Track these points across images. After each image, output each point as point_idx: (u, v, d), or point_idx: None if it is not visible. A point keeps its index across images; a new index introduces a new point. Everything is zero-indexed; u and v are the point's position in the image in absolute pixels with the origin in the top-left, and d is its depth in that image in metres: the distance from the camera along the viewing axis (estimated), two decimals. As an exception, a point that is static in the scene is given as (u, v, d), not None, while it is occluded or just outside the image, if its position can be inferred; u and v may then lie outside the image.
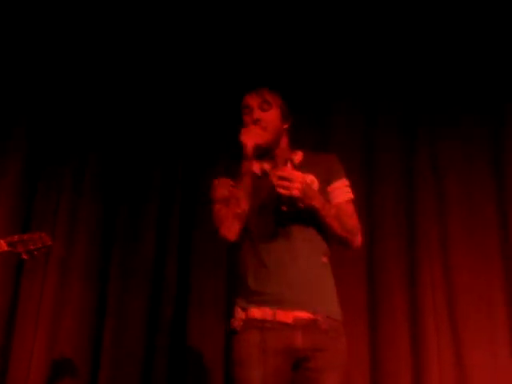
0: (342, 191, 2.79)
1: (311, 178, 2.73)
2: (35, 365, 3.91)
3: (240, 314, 2.61)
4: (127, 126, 4.40)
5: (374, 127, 4.16)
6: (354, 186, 2.86)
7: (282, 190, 2.53)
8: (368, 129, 4.16)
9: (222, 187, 2.76)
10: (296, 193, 2.53)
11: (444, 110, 4.11)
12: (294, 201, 2.56)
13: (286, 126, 2.85)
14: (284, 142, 2.85)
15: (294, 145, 2.89)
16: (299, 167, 2.74)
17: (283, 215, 2.61)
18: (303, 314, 2.56)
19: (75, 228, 4.21)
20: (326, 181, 2.78)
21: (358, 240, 2.77)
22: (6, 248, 2.89)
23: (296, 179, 2.54)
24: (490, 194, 3.94)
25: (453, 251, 3.86)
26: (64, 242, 4.15)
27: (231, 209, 2.62)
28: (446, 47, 4.18)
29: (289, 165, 2.67)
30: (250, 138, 2.64)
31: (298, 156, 2.85)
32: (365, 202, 3.93)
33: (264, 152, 2.74)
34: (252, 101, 2.79)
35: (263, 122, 2.73)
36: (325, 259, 2.71)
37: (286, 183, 2.53)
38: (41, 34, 4.44)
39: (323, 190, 2.75)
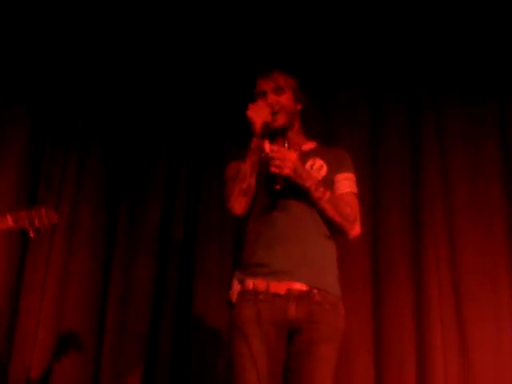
0: (346, 183, 2.82)
1: (320, 163, 2.80)
2: (41, 335, 3.95)
3: (236, 286, 2.66)
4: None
5: (379, 109, 4.14)
6: (359, 168, 2.91)
7: (273, 169, 2.58)
8: (373, 110, 4.14)
9: (234, 168, 2.80)
10: (287, 171, 2.58)
11: (449, 88, 4.08)
12: (285, 180, 2.60)
13: (299, 107, 2.90)
14: (296, 125, 2.90)
15: (309, 135, 2.95)
16: (309, 154, 2.81)
17: (277, 194, 2.63)
18: (297, 286, 2.59)
19: (81, 196, 4.24)
20: (334, 169, 2.81)
21: (356, 229, 2.77)
22: (12, 224, 2.89)
23: (288, 158, 2.60)
24: (495, 173, 3.92)
25: (458, 230, 3.85)
26: (70, 211, 4.17)
27: (238, 184, 2.66)
28: (450, 28, 4.14)
29: (286, 145, 2.69)
30: (259, 116, 2.68)
31: (311, 144, 2.91)
32: (370, 182, 3.94)
33: (277, 132, 2.77)
34: (266, 86, 2.83)
35: (278, 106, 2.77)
36: (327, 237, 2.73)
37: (278, 162, 2.57)
38: (44, 23, 4.40)
39: (330, 177, 2.78)
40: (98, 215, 4.23)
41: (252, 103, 2.74)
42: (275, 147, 2.65)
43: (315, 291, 2.59)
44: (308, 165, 2.78)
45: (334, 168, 2.81)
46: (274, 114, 2.76)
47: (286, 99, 2.82)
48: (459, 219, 3.87)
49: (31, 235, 2.89)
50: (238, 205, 2.67)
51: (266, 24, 4.31)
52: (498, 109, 4.01)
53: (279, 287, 2.58)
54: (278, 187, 2.59)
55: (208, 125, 4.31)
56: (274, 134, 2.76)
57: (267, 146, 2.64)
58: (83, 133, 4.35)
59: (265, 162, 2.64)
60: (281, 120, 2.78)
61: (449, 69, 4.10)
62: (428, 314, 3.70)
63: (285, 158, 2.59)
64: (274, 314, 2.55)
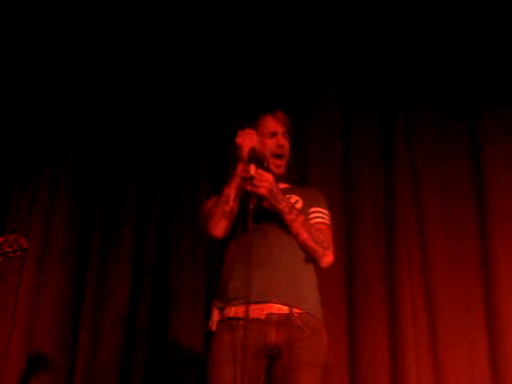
0: (320, 215, 2.85)
1: (296, 198, 2.84)
2: (12, 356, 3.91)
3: (216, 314, 2.64)
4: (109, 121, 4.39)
5: (350, 120, 4.14)
6: (332, 194, 2.92)
7: (249, 187, 2.61)
8: (345, 123, 4.14)
9: (214, 199, 2.80)
10: (262, 191, 2.63)
11: (420, 99, 4.09)
12: (260, 199, 2.64)
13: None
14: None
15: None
16: (285, 191, 2.83)
17: (254, 216, 2.61)
18: (276, 309, 2.57)
19: (52, 218, 4.20)
20: (308, 204, 2.85)
21: (329, 257, 2.78)
22: (-18, 251, 2.85)
23: (266, 179, 2.64)
24: (466, 182, 3.92)
25: (431, 251, 3.83)
26: (41, 232, 4.14)
27: (219, 206, 2.67)
28: (423, 39, 4.16)
29: (265, 165, 2.73)
30: (247, 142, 2.70)
31: (285, 184, 2.96)
32: (343, 195, 3.96)
33: (259, 161, 2.75)
34: (278, 128, 2.90)
35: (284, 149, 2.88)
36: (306, 261, 2.72)
37: (255, 181, 2.60)
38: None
39: (305, 211, 2.81)
40: (71, 237, 4.19)
41: (241, 130, 2.76)
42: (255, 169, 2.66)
43: (296, 315, 2.57)
44: None
45: (309, 203, 2.85)
46: (280, 156, 2.86)
47: (288, 145, 2.92)
48: (432, 240, 3.85)
49: (0, 260, 2.86)
50: (219, 227, 2.68)
51: (239, 29, 4.35)
52: (469, 127, 4.01)
53: (259, 312, 2.55)
54: (252, 207, 2.59)
55: (182, 143, 4.29)
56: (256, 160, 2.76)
57: (252, 169, 2.64)
58: (54, 153, 4.32)
59: (246, 183, 2.66)
60: (283, 168, 2.88)
61: (419, 79, 4.12)
62: (402, 338, 3.67)
63: (262, 178, 2.63)
64: (254, 340, 2.52)
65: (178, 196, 4.19)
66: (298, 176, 3.50)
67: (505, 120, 3.94)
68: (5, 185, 4.25)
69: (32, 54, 4.43)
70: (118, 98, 4.41)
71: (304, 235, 2.70)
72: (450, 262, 3.81)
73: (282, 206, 2.68)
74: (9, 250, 2.86)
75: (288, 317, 2.57)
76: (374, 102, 4.13)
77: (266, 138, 2.87)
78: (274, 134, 2.88)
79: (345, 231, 3.88)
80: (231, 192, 2.68)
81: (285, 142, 2.89)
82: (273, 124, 2.90)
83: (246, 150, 2.68)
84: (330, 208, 2.94)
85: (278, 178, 2.86)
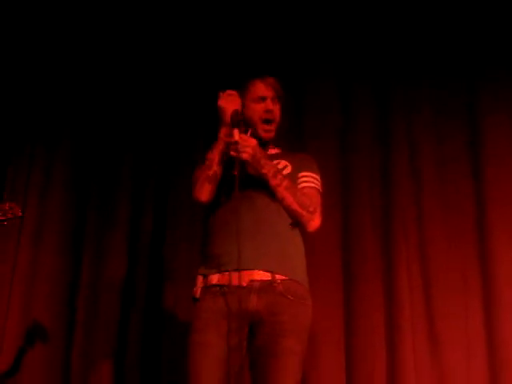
0: (310, 179, 2.83)
1: (285, 163, 2.82)
2: (9, 329, 3.95)
3: (200, 281, 2.65)
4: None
5: (349, 105, 4.12)
6: (330, 162, 2.90)
7: (232, 152, 2.62)
8: (343, 108, 4.13)
9: None
10: (245, 156, 2.62)
11: (418, 85, 4.07)
12: (243, 164, 2.64)
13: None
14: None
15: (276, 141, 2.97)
16: (274, 156, 2.84)
17: (238, 182, 2.61)
18: (259, 276, 2.57)
19: (48, 196, 4.22)
20: (298, 168, 2.83)
21: (315, 221, 2.76)
22: (-24, 218, 2.87)
23: (248, 144, 2.64)
24: (465, 169, 3.91)
25: (427, 225, 3.83)
26: (37, 209, 4.17)
27: (203, 171, 2.69)
28: (421, 15, 4.13)
29: (248, 133, 2.75)
30: (229, 105, 2.70)
31: (276, 150, 2.95)
32: (340, 176, 3.95)
33: (241, 124, 2.73)
34: (266, 92, 2.86)
35: (275, 115, 2.84)
36: (292, 227, 2.72)
37: (237, 146, 2.60)
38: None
39: (294, 175, 2.80)
40: (67, 213, 4.21)
41: (223, 92, 2.76)
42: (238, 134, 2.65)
43: (278, 281, 2.56)
44: None
45: (298, 168, 2.83)
46: (269, 121, 2.83)
47: (278, 110, 2.88)
48: (428, 212, 3.84)
49: None
50: (203, 191, 2.70)
51: (237, 25, 4.33)
52: (466, 106, 4.00)
53: (241, 279, 2.54)
54: (236, 172, 2.58)
55: (178, 122, 4.30)
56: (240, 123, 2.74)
57: (236, 133, 2.63)
58: (49, 132, 4.35)
59: (230, 148, 2.65)
60: (273, 132, 2.84)
61: (417, 64, 4.09)
62: (398, 306, 3.68)
63: (245, 143, 2.63)
64: (236, 307, 2.52)
65: (174, 173, 4.20)
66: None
67: (503, 95, 3.92)
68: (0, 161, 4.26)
69: (31, 45, 4.45)
70: (115, 80, 4.42)
71: (289, 200, 2.69)
72: (447, 233, 3.80)
73: (266, 170, 2.67)
74: (3, 218, 2.88)
75: (270, 283, 2.56)
76: (371, 78, 4.13)
77: (254, 102, 2.84)
78: (262, 99, 2.85)
79: (342, 203, 3.89)
80: (214, 156, 2.69)
81: (274, 107, 2.85)
82: (262, 89, 2.86)
83: (228, 113, 2.68)
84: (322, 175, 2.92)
85: (268, 143, 2.86)
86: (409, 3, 4.15)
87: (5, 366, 3.85)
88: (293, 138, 3.89)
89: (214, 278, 2.61)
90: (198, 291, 2.63)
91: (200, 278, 2.66)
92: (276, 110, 2.87)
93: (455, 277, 3.72)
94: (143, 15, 4.42)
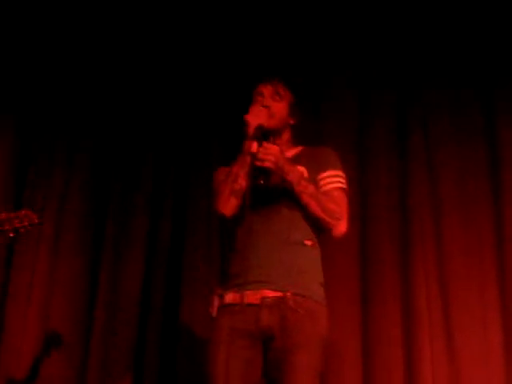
0: (332, 179, 2.78)
1: (302, 169, 2.75)
2: (27, 341, 3.95)
3: (216, 301, 2.66)
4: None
5: (366, 105, 4.11)
6: (347, 165, 2.89)
7: (256, 162, 2.59)
8: (361, 107, 4.11)
9: (223, 172, 2.80)
10: (268, 164, 2.59)
11: (435, 78, 4.06)
12: (267, 173, 2.61)
13: (291, 122, 2.90)
14: (286, 135, 2.90)
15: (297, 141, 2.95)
16: (292, 160, 2.77)
17: (261, 191, 2.63)
18: (271, 293, 2.56)
19: (67, 202, 4.23)
20: (317, 170, 2.78)
21: (341, 227, 2.73)
22: (-8, 226, 2.89)
23: (270, 152, 2.61)
24: (482, 171, 3.88)
25: (445, 232, 3.80)
26: (56, 217, 4.18)
27: (229, 185, 2.65)
28: (440, 18, 4.12)
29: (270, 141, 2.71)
30: (255, 118, 2.67)
31: (295, 150, 2.90)
32: (357, 186, 3.88)
33: (266, 137, 2.73)
34: (265, 90, 2.85)
35: (272, 109, 2.77)
36: (308, 242, 2.69)
37: (260, 155, 2.58)
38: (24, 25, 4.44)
39: (313, 180, 2.75)
40: (85, 221, 4.22)
41: (252, 107, 2.75)
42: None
43: (289, 296, 2.55)
44: None
45: (317, 168, 2.79)
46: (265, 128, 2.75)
47: (280, 108, 2.83)
48: (447, 222, 3.82)
49: (10, 235, 2.89)
50: (228, 206, 2.65)
51: (252, 22, 4.33)
52: (485, 108, 3.97)
53: (254, 297, 2.56)
54: (262, 182, 2.59)
55: (195, 129, 4.29)
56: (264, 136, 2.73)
57: (254, 146, 2.62)
58: (70, 138, 4.36)
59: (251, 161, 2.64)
60: (272, 122, 2.76)
61: (435, 65, 4.08)
62: (416, 322, 3.65)
63: (267, 151, 2.60)
64: (247, 324, 2.53)
65: (192, 182, 4.19)
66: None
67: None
68: (20, 169, 4.29)
69: (51, 51, 4.47)
70: (132, 84, 4.43)
71: (314, 207, 2.65)
72: (465, 244, 3.77)
73: (290, 177, 2.64)
74: (19, 225, 2.90)
75: (282, 299, 2.55)
76: (390, 81, 4.12)
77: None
78: (262, 98, 2.82)
79: (360, 214, 3.86)
80: (239, 169, 2.64)
81: (272, 103, 2.80)
82: (260, 87, 2.86)
83: (252, 127, 2.64)
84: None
85: (271, 133, 2.80)
86: (431, 20, 4.13)
87: (23, 374, 3.87)
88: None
89: (228, 297, 2.62)
90: (214, 311, 2.65)
91: (215, 298, 2.67)
92: (276, 106, 2.82)
93: (473, 292, 3.70)
94: (165, 16, 4.44)
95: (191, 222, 4.12)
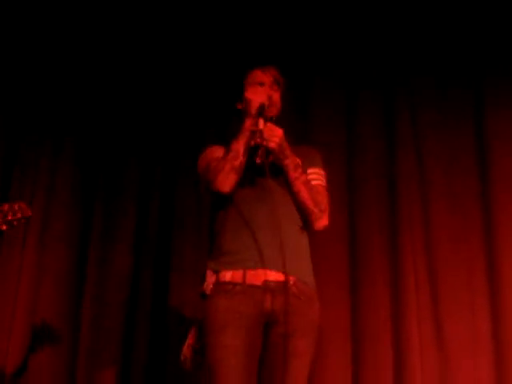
0: (316, 176, 2.81)
1: (297, 159, 2.75)
2: (16, 331, 3.93)
3: (211, 277, 2.60)
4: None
5: (354, 93, 4.14)
6: (335, 153, 2.89)
7: (259, 140, 2.59)
8: (348, 95, 4.14)
9: (216, 150, 2.78)
10: (272, 145, 2.60)
11: (423, 69, 4.09)
12: (268, 153, 2.60)
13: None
14: None
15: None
16: None
17: (257, 169, 2.62)
18: (273, 276, 2.54)
19: (54, 195, 4.22)
20: (306, 163, 2.79)
21: (324, 220, 2.75)
22: (-16, 219, 2.86)
23: (276, 134, 2.61)
24: (470, 158, 3.93)
25: (434, 216, 3.85)
26: (43, 208, 4.16)
27: (229, 161, 2.62)
28: (426, 9, 4.15)
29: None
30: (256, 96, 2.67)
31: None
32: (346, 174, 3.96)
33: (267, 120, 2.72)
34: (265, 78, 2.85)
35: (272, 98, 2.77)
36: (301, 227, 2.71)
37: (265, 135, 2.58)
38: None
39: (304, 171, 2.76)
40: (72, 212, 4.21)
41: (250, 87, 2.77)
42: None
43: (291, 282, 2.55)
44: None
45: (306, 162, 2.80)
46: (267, 106, 2.74)
47: (278, 97, 2.85)
48: (434, 209, 3.86)
49: (3, 228, 2.85)
50: (228, 182, 2.61)
51: (241, 19, 4.33)
52: (473, 95, 4.02)
53: (256, 278, 2.53)
54: (259, 160, 2.58)
55: (183, 122, 4.30)
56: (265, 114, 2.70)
57: (261, 122, 2.60)
58: (55, 131, 4.34)
59: (254, 138, 2.63)
60: (273, 111, 2.77)
61: (424, 56, 4.12)
62: (404, 308, 3.69)
63: (272, 132, 2.61)
64: (251, 306, 2.51)
65: (180, 171, 4.20)
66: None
67: (509, 90, 3.95)
68: (7, 161, 4.26)
69: (37, 42, 4.45)
70: (119, 83, 4.43)
71: (305, 194, 2.67)
72: (453, 230, 3.82)
73: (288, 161, 2.65)
74: (13, 218, 2.86)
75: (284, 284, 2.52)
76: (376, 73, 4.14)
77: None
78: (260, 85, 2.82)
79: (348, 201, 3.90)
80: (240, 146, 2.62)
81: (273, 93, 2.81)
82: (259, 75, 2.86)
83: (255, 105, 2.63)
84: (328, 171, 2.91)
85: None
86: (417, 8, 4.16)
87: (11, 368, 3.85)
88: (298, 134, 3.81)
89: (227, 275, 2.56)
90: (209, 287, 2.58)
91: (210, 273, 2.61)
92: (275, 96, 2.82)
93: (461, 278, 3.74)
94: (142, 13, 4.42)
95: (179, 212, 4.13)
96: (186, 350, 2.64)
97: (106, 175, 4.27)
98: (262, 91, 2.73)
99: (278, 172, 2.69)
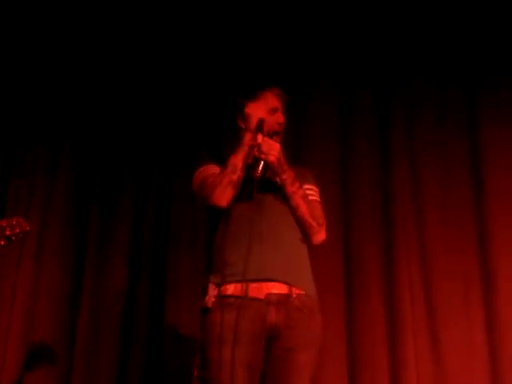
0: (313, 192, 2.82)
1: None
2: (11, 349, 3.92)
3: (213, 290, 2.56)
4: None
5: (349, 104, 4.16)
6: (330, 166, 3.06)
7: (258, 153, 2.59)
8: (344, 106, 4.16)
9: (211, 167, 2.77)
10: (272, 158, 2.60)
11: (418, 77, 4.12)
12: (267, 167, 2.61)
13: None
14: None
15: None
16: None
17: (254, 186, 2.59)
18: (276, 289, 2.52)
19: (49, 210, 4.21)
20: (300, 181, 2.77)
21: (322, 234, 2.75)
22: (-18, 235, 2.85)
23: (275, 148, 2.62)
24: (464, 170, 3.96)
25: (428, 228, 3.87)
26: (39, 224, 4.15)
27: (227, 175, 2.62)
28: (423, 15, 4.18)
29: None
30: (256, 112, 2.72)
31: None
32: (340, 186, 3.97)
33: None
34: (278, 103, 2.85)
35: (282, 126, 2.82)
36: (301, 239, 2.70)
37: (264, 149, 2.59)
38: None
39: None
40: (68, 228, 4.21)
41: (250, 102, 2.78)
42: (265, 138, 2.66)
43: (294, 295, 2.54)
44: None
45: (300, 180, 2.78)
46: (278, 133, 2.77)
47: (284, 117, 2.86)
48: (429, 220, 3.89)
49: (2, 243, 2.85)
50: (226, 196, 2.60)
51: (237, 25, 4.35)
52: (467, 116, 4.04)
53: (259, 291, 2.51)
54: (258, 174, 2.58)
55: (179, 130, 4.30)
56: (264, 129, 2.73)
57: (260, 137, 2.63)
58: (51, 147, 4.35)
59: (252, 152, 2.63)
60: (279, 129, 2.80)
61: (419, 64, 4.15)
62: (400, 319, 3.70)
63: (271, 146, 2.62)
64: (253, 320, 2.48)
65: (175, 184, 4.19)
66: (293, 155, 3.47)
67: (503, 100, 3.97)
68: (3, 172, 4.28)
69: (34, 46, 4.46)
70: (116, 88, 4.43)
71: (303, 209, 2.68)
72: (448, 242, 3.84)
73: (286, 176, 2.66)
74: (11, 233, 2.86)
75: (287, 297, 2.53)
76: (372, 81, 4.16)
77: (268, 113, 2.80)
78: (274, 111, 2.83)
79: (343, 213, 3.91)
80: (238, 161, 2.63)
81: (283, 118, 2.84)
82: (273, 100, 2.85)
83: (254, 120, 2.69)
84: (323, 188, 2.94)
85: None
86: (413, 12, 4.19)
87: (6, 381, 3.83)
88: (293, 147, 3.87)
89: (229, 288, 2.53)
90: (210, 301, 2.55)
91: (212, 286, 2.58)
92: (284, 117, 2.85)
93: (457, 289, 3.75)
94: (142, 17, 4.44)
95: (174, 227, 4.12)
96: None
97: (101, 189, 4.26)
98: (260, 106, 2.76)
99: (275, 187, 2.70)
